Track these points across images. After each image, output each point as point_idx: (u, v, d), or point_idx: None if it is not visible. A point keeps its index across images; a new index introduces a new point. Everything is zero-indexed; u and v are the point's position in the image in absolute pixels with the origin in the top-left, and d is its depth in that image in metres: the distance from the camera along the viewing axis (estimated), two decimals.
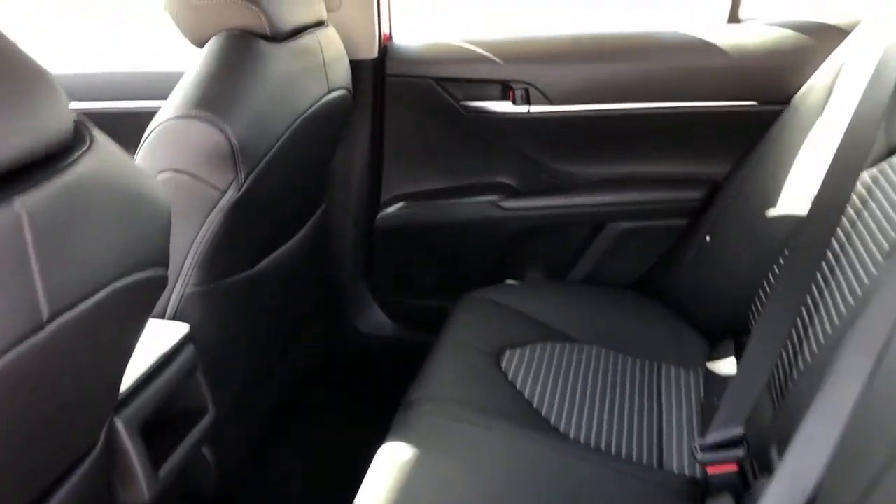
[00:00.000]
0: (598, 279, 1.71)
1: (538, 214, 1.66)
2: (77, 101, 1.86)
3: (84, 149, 0.65)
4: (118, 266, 0.69)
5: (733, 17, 1.59)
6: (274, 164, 1.16)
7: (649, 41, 1.59)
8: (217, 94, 1.08)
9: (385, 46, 1.65)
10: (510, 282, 1.65)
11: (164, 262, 0.80)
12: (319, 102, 1.30)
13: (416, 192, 1.74)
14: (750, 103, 1.54)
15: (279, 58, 1.18)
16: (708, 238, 1.52)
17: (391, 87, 1.66)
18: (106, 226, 0.66)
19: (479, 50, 1.62)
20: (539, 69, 1.60)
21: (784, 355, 1.12)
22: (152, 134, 1.07)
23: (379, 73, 1.65)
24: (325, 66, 1.33)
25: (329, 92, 1.34)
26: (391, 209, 1.73)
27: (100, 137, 0.68)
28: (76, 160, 0.63)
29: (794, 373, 1.07)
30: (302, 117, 1.23)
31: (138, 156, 1.08)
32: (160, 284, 0.81)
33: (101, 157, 0.66)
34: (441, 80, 1.64)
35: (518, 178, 1.70)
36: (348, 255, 1.78)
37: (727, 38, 1.55)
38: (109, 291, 0.68)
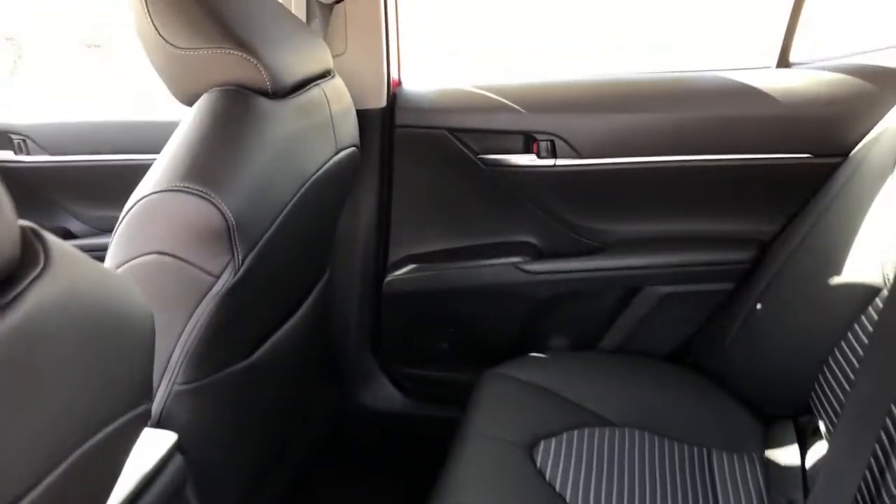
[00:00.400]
0: (631, 349, 1.54)
1: (566, 278, 1.49)
2: (68, 155, 1.69)
3: (35, 274, 0.48)
4: (85, 424, 0.51)
5: (783, 61, 1.44)
6: (276, 240, 0.99)
7: (690, 87, 1.44)
8: (210, 163, 0.91)
9: (394, 94, 1.49)
10: (535, 354, 1.48)
11: (146, 396, 0.63)
12: (327, 165, 1.13)
13: (428, 253, 1.57)
14: (803, 156, 1.38)
15: (282, 117, 1.02)
16: (759, 306, 1.36)
17: (401, 139, 1.50)
18: (67, 377, 0.49)
19: (499, 98, 1.47)
20: (566, 119, 1.44)
21: (874, 463, 0.96)
22: (132, 210, 0.90)
23: (388, 124, 1.48)
24: (332, 122, 1.17)
25: (337, 152, 1.18)
26: (400, 272, 1.56)
27: (58, 252, 0.51)
28: (23, 293, 0.46)
29: (886, 496, 0.91)
30: (308, 184, 1.07)
31: (114, 237, 0.91)
32: (143, 419, 0.64)
33: (59, 282, 0.49)
34: (456, 131, 1.48)
35: (542, 238, 1.54)
36: (353, 322, 1.60)
37: (777, 83, 1.40)
38: (74, 458, 0.50)
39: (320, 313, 1.36)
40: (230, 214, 0.88)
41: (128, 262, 0.90)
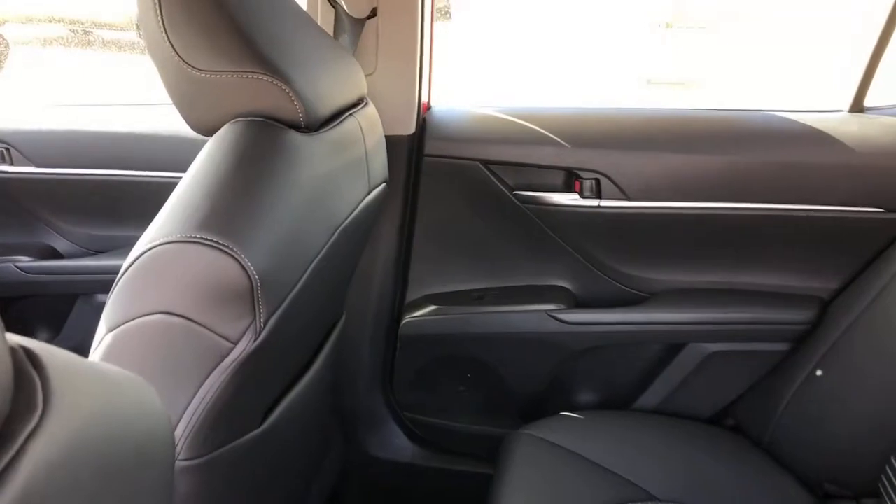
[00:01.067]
0: (670, 409, 1.41)
1: (604, 331, 1.36)
2: (56, 167, 1.53)
3: (34, 423, 0.34)
4: None
5: (857, 106, 1.31)
6: (302, 297, 0.85)
7: (753, 128, 1.31)
8: (232, 209, 0.76)
9: (424, 119, 1.35)
10: (567, 414, 1.34)
11: None
12: (359, 207, 0.99)
13: (450, 294, 1.43)
14: (873, 210, 1.26)
15: (315, 154, 0.87)
16: (819, 372, 1.23)
17: (429, 169, 1.36)
18: None
19: (541, 129, 1.33)
20: (614, 156, 1.31)
21: None
22: (136, 263, 0.75)
23: (415, 153, 1.34)
24: (367, 157, 1.02)
25: (370, 191, 1.04)
26: (418, 313, 1.42)
27: (60, 379, 0.37)
28: (19, 453, 0.32)
29: None
30: (339, 230, 0.92)
31: (113, 292, 0.76)
32: None
33: (65, 425, 0.35)
34: (490, 164, 1.34)
35: (579, 283, 1.40)
36: (364, 364, 1.46)
37: (848, 129, 1.27)
38: None
39: (334, 363, 1.22)
40: (254, 271, 0.74)
41: (127, 322, 0.76)
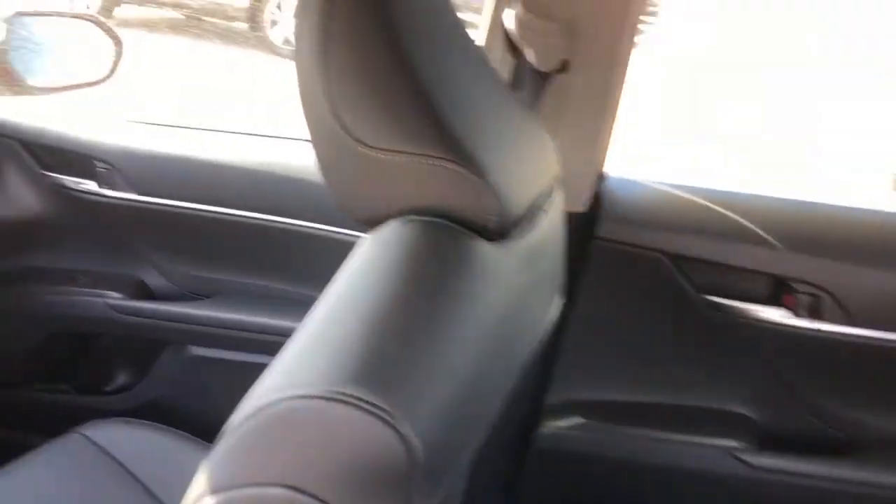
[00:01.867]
0: None
1: (801, 483, 1.07)
2: (161, 197, 1.33)
3: None
4: None
5: None
6: (472, 471, 0.61)
7: None
8: (397, 356, 0.53)
9: (597, 195, 1.10)
10: None
11: None
12: (546, 331, 0.75)
13: (603, 404, 1.17)
14: None
15: (504, 271, 0.63)
16: None
17: (598, 254, 1.11)
18: None
19: (745, 221, 1.06)
20: (842, 269, 1.03)
21: None
22: (256, 417, 0.52)
23: (585, 234, 1.10)
24: (557, 263, 0.78)
25: (553, 304, 0.80)
26: (561, 423, 1.17)
27: None
28: None
29: None
30: (523, 369, 0.68)
31: (219, 448, 0.53)
32: None
33: None
34: (678, 258, 1.08)
35: (768, 414, 1.12)
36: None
37: None
38: None
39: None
40: (419, 447, 0.50)
41: (236, 489, 0.53)
